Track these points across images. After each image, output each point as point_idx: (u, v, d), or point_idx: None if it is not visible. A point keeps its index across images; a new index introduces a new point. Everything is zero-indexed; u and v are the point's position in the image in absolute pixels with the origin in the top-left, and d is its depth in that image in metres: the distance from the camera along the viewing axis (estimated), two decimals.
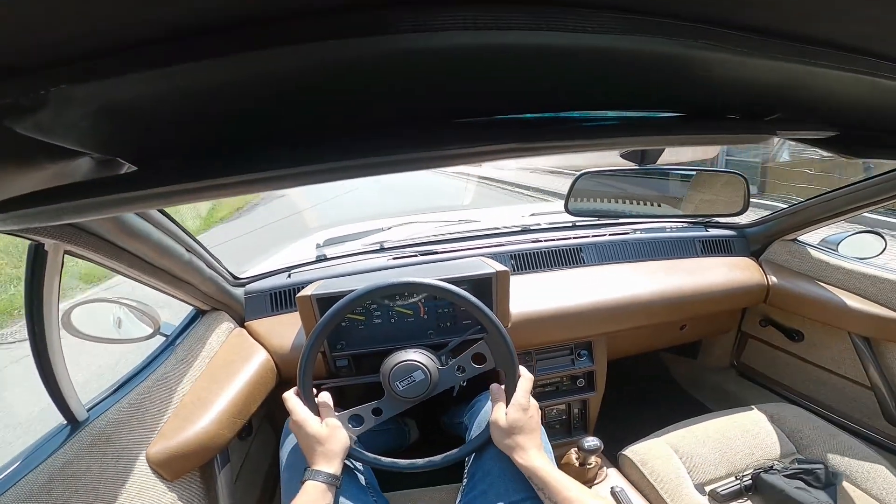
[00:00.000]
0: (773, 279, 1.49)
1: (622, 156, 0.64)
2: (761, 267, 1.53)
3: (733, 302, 1.53)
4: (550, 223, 1.65)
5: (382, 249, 1.51)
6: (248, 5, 0.25)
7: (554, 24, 0.27)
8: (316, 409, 0.88)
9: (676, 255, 1.52)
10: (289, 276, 1.39)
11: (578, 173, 1.19)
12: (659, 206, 1.35)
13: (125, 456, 0.87)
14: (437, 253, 1.46)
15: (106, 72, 0.28)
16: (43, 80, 0.29)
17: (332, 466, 0.80)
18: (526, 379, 0.91)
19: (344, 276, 1.32)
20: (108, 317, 1.13)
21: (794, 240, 1.53)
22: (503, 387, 0.92)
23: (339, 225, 1.86)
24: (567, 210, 1.27)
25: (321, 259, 1.50)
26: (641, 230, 1.58)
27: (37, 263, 0.75)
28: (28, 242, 0.74)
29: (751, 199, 1.33)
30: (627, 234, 1.55)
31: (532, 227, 1.61)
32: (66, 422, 0.84)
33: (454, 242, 1.53)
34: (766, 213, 1.60)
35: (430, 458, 0.93)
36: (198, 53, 0.26)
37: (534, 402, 0.89)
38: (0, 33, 0.24)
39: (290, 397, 0.88)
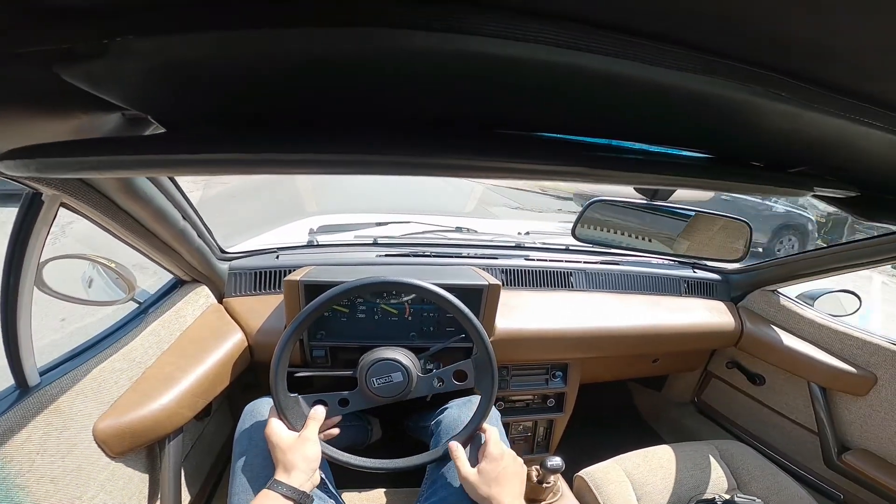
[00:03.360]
0: (748, 325, 1.47)
1: (636, 189, 0.58)
2: (738, 312, 1.51)
3: (706, 343, 1.52)
4: (543, 243, 1.60)
5: (375, 244, 1.44)
6: None
7: (634, 55, 0.25)
8: (294, 407, 0.81)
9: (661, 291, 1.49)
10: (277, 257, 1.30)
11: (589, 201, 1.14)
12: (653, 241, 1.30)
13: (71, 427, 0.79)
14: (428, 256, 1.39)
15: (173, 27, 0.24)
16: (108, 28, 0.25)
17: (292, 479, 0.72)
18: (493, 430, 0.85)
19: (333, 265, 1.24)
20: (79, 275, 1.04)
21: (774, 291, 1.52)
22: (460, 441, 0.86)
23: (336, 213, 1.78)
24: (574, 235, 1.21)
25: (311, 245, 1.42)
26: (630, 263, 1.54)
27: (29, 212, 0.68)
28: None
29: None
30: (617, 264, 1.51)
31: (525, 245, 1.56)
32: (15, 385, 0.76)
33: (447, 247, 1.47)
34: None
35: (404, 459, 0.87)
36: (260, 21, 0.23)
37: (509, 452, 0.82)
38: None
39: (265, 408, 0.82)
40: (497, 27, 0.23)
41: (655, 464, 1.14)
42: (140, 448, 0.90)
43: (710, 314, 1.45)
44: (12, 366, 0.74)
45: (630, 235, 1.21)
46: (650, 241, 1.31)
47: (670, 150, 0.47)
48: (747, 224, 1.26)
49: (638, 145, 0.44)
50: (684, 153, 0.47)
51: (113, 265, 0.97)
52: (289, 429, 0.79)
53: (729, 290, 1.58)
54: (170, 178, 0.89)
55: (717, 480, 1.12)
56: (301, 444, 0.76)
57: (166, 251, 1.00)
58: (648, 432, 1.87)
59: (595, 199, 1.14)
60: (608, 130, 0.42)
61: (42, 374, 0.79)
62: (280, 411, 0.80)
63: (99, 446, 0.83)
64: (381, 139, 0.32)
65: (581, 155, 0.37)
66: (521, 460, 0.83)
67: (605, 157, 0.38)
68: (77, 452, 0.79)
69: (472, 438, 0.87)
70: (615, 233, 1.21)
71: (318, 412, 0.81)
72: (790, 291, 1.53)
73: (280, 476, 0.73)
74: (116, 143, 0.37)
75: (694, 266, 1.61)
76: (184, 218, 0.97)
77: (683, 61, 0.26)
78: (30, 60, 0.28)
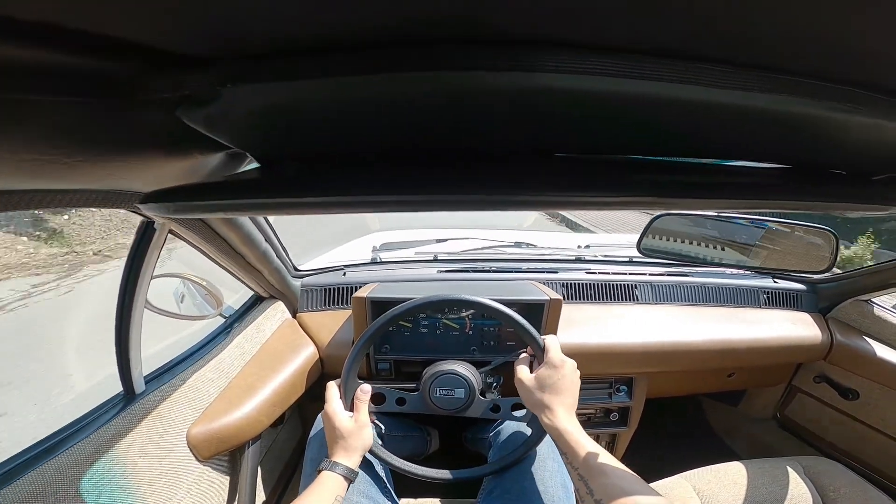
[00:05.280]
0: (839, 338, 1.33)
1: None
2: (827, 324, 1.36)
3: (790, 356, 1.38)
4: (605, 256, 1.53)
5: (436, 261, 1.45)
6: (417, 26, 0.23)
7: (709, 82, 0.25)
8: (351, 405, 0.84)
9: (737, 303, 1.37)
10: (344, 274, 1.35)
11: (657, 213, 1.08)
12: (727, 251, 1.20)
13: (169, 432, 0.85)
14: (488, 271, 1.38)
15: (280, 74, 0.26)
16: (224, 76, 0.27)
17: (350, 460, 0.77)
18: (554, 339, 0.83)
19: (397, 281, 1.27)
20: (173, 292, 1.13)
21: (868, 300, 1.35)
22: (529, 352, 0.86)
23: (398, 230, 1.82)
24: (639, 249, 1.15)
25: (375, 262, 1.46)
26: (701, 274, 1.43)
27: (143, 239, 0.76)
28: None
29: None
30: (686, 276, 1.41)
31: (586, 258, 1.50)
32: (123, 392, 0.83)
33: (507, 262, 1.45)
34: None
35: (461, 470, 0.87)
36: (364, 67, 0.25)
37: (570, 362, 0.80)
38: (195, 22, 0.22)
39: (331, 387, 0.85)
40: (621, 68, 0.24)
41: (728, 480, 1.04)
42: (224, 453, 0.96)
43: (795, 327, 1.31)
44: (122, 374, 0.81)
45: (700, 245, 1.13)
46: (723, 250, 1.22)
47: (749, 164, 0.44)
48: (831, 232, 1.13)
49: (720, 161, 0.42)
50: (762, 165, 0.44)
51: (204, 283, 1.06)
52: (345, 408, 0.82)
53: (816, 300, 1.42)
54: None
55: (800, 497, 1.01)
56: (360, 429, 0.80)
57: (250, 270, 1.07)
58: (722, 449, 1.73)
59: (663, 212, 1.07)
60: (685, 150, 0.40)
61: (147, 382, 0.87)
62: (343, 391, 0.84)
63: (190, 450, 0.89)
64: (488, 178, 0.33)
65: (671, 181, 0.36)
66: (579, 372, 0.80)
67: (689, 181, 0.37)
68: (172, 456, 0.85)
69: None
70: (684, 243, 1.13)
71: (365, 391, 0.85)
72: (885, 301, 1.36)
73: (341, 458, 0.76)
74: (238, 186, 0.40)
75: (774, 276, 1.47)
76: (266, 240, 1.04)
77: (768, 83, 0.26)
78: (159, 106, 0.31)
